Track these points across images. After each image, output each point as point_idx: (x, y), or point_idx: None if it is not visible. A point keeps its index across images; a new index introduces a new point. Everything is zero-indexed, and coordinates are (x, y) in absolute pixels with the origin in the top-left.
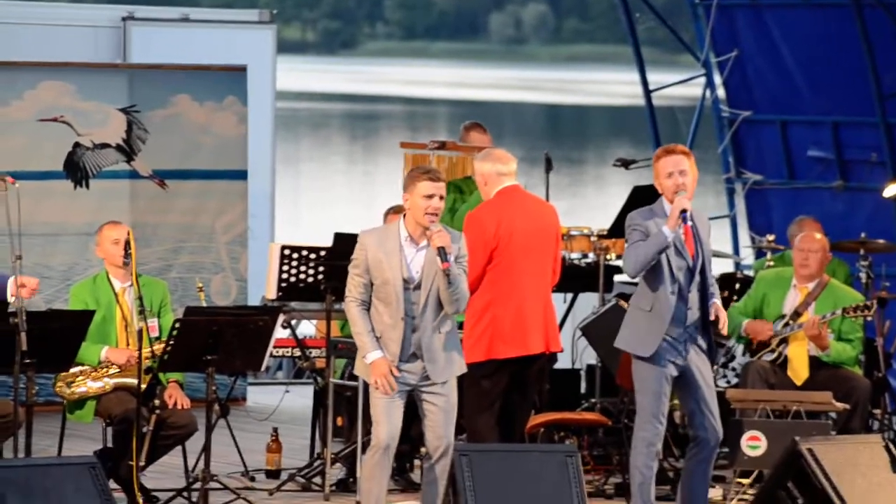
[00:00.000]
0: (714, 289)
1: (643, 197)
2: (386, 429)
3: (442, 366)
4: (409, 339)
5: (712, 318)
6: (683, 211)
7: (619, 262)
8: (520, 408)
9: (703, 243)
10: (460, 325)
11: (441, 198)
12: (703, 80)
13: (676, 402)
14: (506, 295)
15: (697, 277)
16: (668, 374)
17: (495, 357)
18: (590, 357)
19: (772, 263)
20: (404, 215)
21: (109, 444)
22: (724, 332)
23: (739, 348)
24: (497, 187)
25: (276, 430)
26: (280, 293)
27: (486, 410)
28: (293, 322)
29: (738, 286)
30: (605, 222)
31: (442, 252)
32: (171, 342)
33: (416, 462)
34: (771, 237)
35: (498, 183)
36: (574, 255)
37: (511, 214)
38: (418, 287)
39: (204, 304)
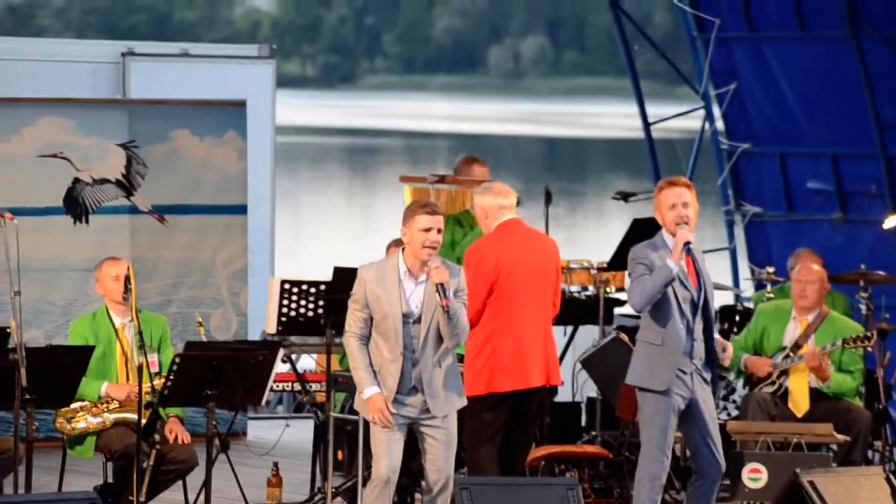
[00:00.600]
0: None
1: (643, 229)
2: (386, 462)
3: (443, 400)
4: (408, 373)
5: (721, 351)
6: (687, 243)
7: (619, 295)
8: (520, 441)
9: (704, 274)
10: (461, 358)
11: (439, 231)
12: (702, 112)
13: (678, 434)
14: (506, 328)
15: (701, 309)
16: (676, 408)
17: (496, 390)
18: (590, 390)
19: (772, 295)
20: (403, 249)
21: (110, 480)
22: (727, 363)
23: (740, 382)
24: (498, 220)
25: (276, 464)
26: (280, 327)
27: (487, 443)
28: (293, 356)
29: (738, 318)
30: (605, 255)
31: (441, 288)
32: (171, 377)
33: (417, 496)
34: (771, 269)
35: (499, 216)
36: (574, 288)
37: (511, 247)
38: (418, 321)
39: (204, 339)
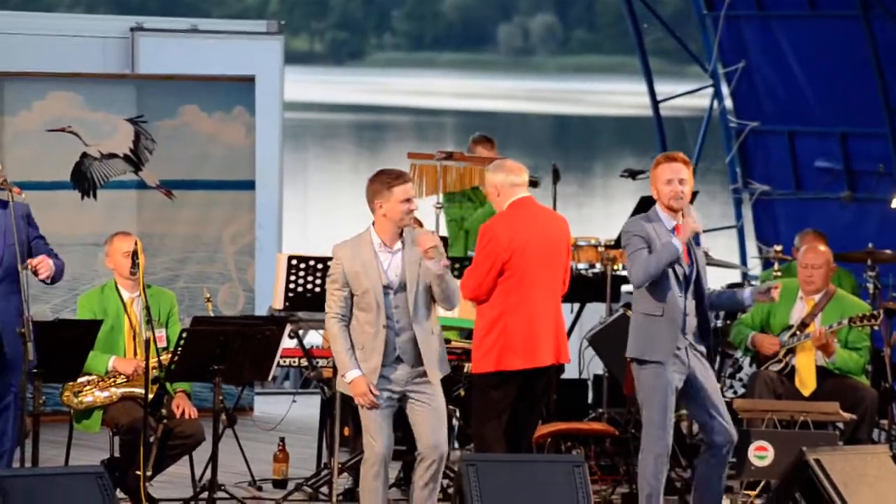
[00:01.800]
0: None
1: (650, 207)
2: (381, 441)
3: (438, 365)
4: (392, 343)
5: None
6: (697, 234)
7: (626, 273)
8: (528, 419)
9: (695, 251)
10: (469, 334)
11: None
12: (710, 90)
13: (683, 412)
14: (517, 306)
15: (693, 285)
16: (673, 386)
17: (506, 368)
18: (597, 367)
19: (779, 274)
20: (374, 222)
21: (116, 454)
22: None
23: (747, 360)
24: (510, 198)
25: (282, 439)
26: (287, 303)
27: (494, 420)
28: (300, 332)
29: None
30: (613, 232)
31: (437, 251)
32: (179, 352)
33: None
34: (778, 248)
35: (511, 194)
36: (581, 266)
37: (524, 226)
38: (400, 290)
39: (211, 314)
